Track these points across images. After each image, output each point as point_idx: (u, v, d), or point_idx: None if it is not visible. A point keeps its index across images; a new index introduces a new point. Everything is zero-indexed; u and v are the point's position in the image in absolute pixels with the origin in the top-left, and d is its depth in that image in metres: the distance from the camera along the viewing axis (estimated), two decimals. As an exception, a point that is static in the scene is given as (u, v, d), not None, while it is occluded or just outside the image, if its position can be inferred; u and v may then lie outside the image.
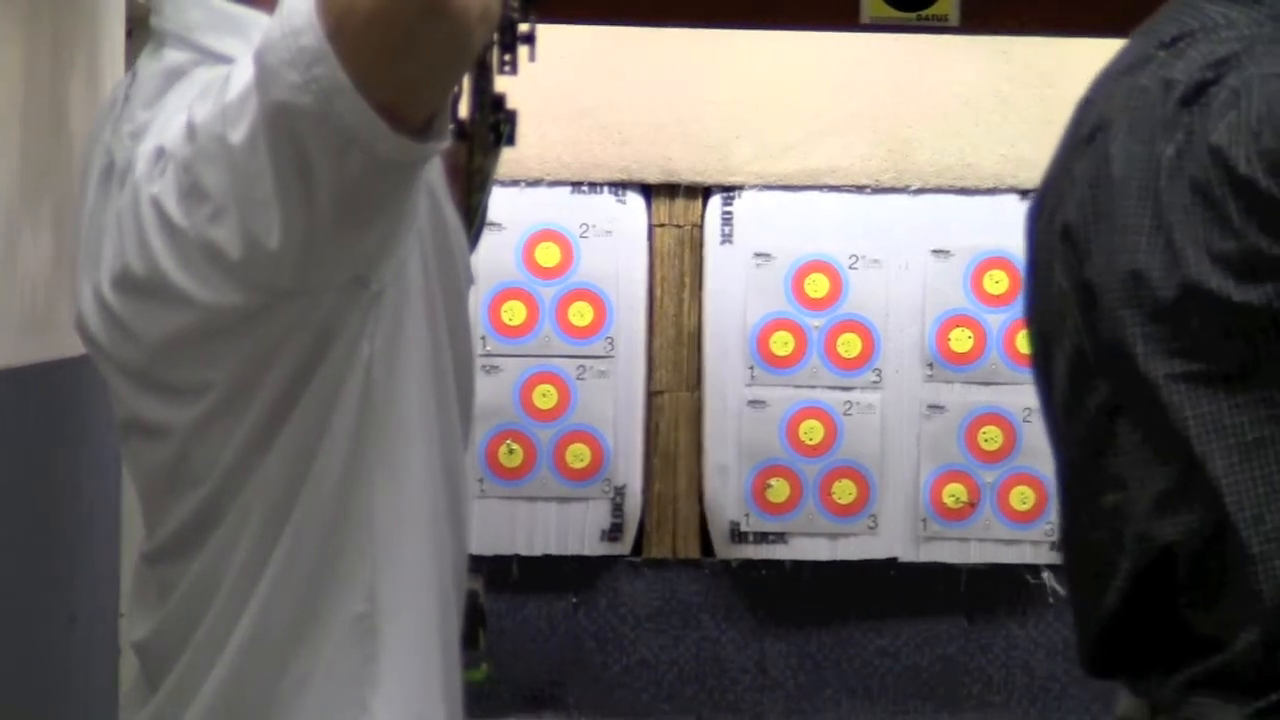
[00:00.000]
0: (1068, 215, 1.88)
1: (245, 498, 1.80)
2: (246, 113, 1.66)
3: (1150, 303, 1.79)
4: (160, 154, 1.75)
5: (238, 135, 1.66)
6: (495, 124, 2.22)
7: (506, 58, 2.25)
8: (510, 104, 2.26)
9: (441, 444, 1.88)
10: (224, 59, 1.79)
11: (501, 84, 2.25)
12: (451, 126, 1.98)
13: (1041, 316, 1.94)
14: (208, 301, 1.73)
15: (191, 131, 1.71)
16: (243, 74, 1.67)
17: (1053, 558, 5.77)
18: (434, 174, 1.88)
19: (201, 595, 1.83)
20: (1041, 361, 1.96)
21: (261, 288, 1.72)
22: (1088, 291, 1.85)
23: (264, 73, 1.64)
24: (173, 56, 1.85)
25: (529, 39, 2.31)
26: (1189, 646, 1.82)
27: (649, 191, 5.96)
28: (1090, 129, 1.89)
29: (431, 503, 1.87)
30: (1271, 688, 1.77)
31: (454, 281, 1.92)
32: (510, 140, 2.25)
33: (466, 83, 2.14)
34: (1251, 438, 1.77)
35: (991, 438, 5.94)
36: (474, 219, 2.20)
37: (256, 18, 1.80)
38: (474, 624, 3.09)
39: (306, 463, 1.79)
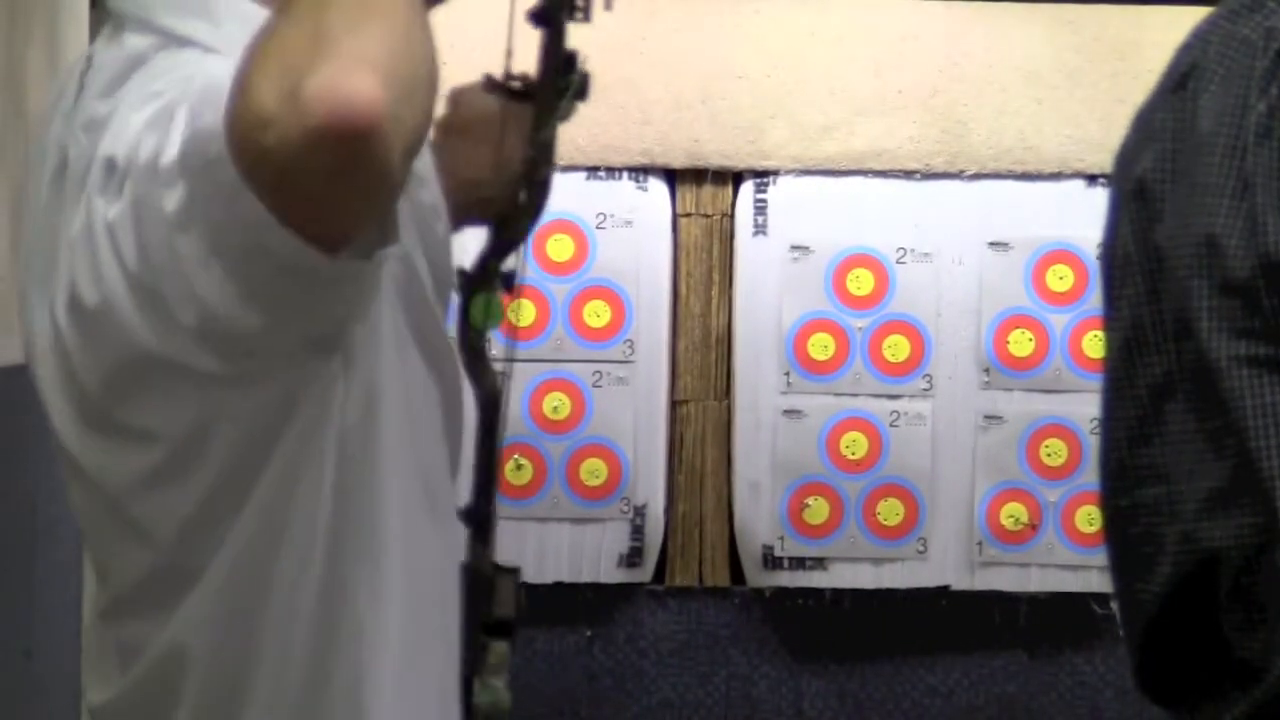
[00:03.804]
0: (1144, 169, 1.86)
1: (209, 581, 1.76)
2: (178, 186, 1.64)
3: (1223, 274, 1.76)
4: (113, 169, 1.71)
5: (171, 205, 1.64)
6: (564, 88, 2.14)
7: (580, 2, 2.15)
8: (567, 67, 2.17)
9: (434, 524, 1.85)
10: (187, 42, 1.78)
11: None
12: (518, 85, 2.08)
13: (1107, 285, 1.92)
14: (165, 354, 1.70)
15: (136, 172, 1.68)
16: (179, 126, 1.65)
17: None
18: (425, 167, 1.84)
19: (172, 673, 1.79)
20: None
21: (221, 351, 1.69)
22: (1155, 257, 1.82)
23: (192, 191, 1.62)
24: (133, 42, 1.82)
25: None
26: (1231, 672, 1.79)
27: (673, 177, 5.84)
28: (1180, 76, 1.85)
29: (437, 599, 1.86)
30: None
31: (445, 296, 1.92)
32: (583, 95, 2.17)
33: (539, 41, 2.11)
34: None
35: (1055, 451, 5.82)
36: (538, 199, 2.14)
37: None
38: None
39: (274, 552, 1.75)
